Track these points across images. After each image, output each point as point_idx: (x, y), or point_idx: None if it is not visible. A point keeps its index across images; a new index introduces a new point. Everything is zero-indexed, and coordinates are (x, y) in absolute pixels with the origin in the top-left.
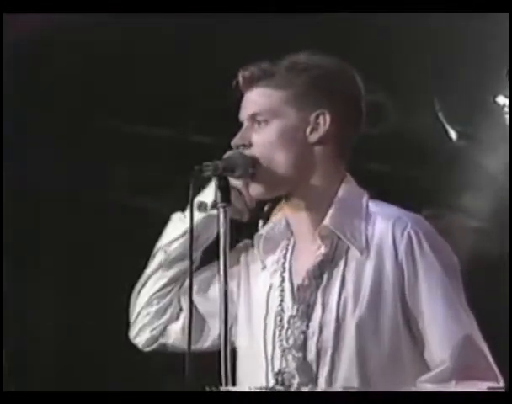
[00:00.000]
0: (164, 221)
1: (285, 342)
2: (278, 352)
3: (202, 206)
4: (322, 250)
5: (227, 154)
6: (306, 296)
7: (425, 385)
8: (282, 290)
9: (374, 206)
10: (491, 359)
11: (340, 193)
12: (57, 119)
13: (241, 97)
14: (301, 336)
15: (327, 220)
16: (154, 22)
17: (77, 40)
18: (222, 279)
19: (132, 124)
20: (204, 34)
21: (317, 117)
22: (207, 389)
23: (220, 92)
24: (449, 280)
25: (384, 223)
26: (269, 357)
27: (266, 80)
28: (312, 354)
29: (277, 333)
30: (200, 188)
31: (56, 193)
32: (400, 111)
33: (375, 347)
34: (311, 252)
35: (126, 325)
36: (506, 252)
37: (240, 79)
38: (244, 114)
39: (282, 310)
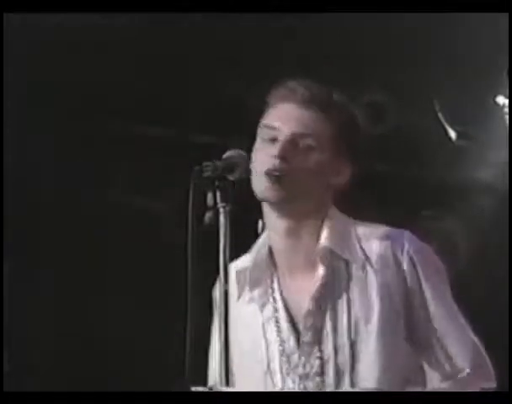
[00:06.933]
0: (164, 221)
1: (301, 369)
2: (289, 381)
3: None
4: (322, 272)
5: (227, 154)
6: (313, 321)
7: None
8: (277, 321)
9: (361, 228)
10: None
11: (329, 217)
12: (57, 119)
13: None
14: (317, 361)
15: (324, 242)
16: (154, 22)
17: (77, 40)
18: (222, 278)
19: (132, 124)
20: (204, 34)
21: (341, 165)
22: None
23: (220, 92)
24: (447, 288)
25: (381, 243)
26: (279, 387)
27: (321, 107)
28: (330, 378)
29: (284, 363)
30: (199, 188)
31: (56, 193)
32: (400, 111)
33: (390, 362)
34: (304, 277)
35: (126, 324)
36: (506, 252)
37: (297, 94)
38: (288, 128)
39: (282, 340)
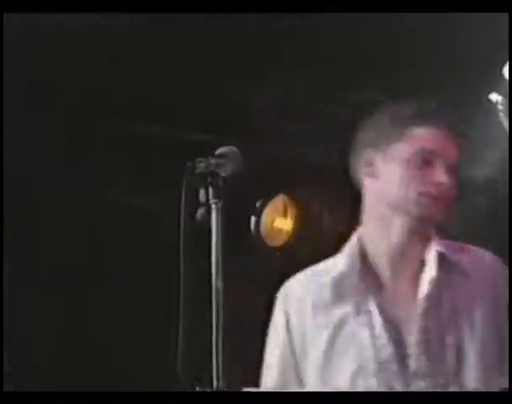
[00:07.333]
0: (164, 221)
1: (404, 371)
2: (393, 383)
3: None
4: (434, 275)
5: (220, 150)
6: (422, 323)
7: None
8: (373, 325)
9: (459, 244)
10: None
11: (433, 231)
12: (57, 119)
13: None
14: (424, 363)
15: (438, 248)
16: (154, 22)
17: (77, 40)
18: (214, 275)
19: (132, 124)
20: (204, 34)
21: None
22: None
23: (220, 92)
24: None
25: (483, 260)
26: (372, 389)
27: (457, 132)
28: (435, 378)
29: (381, 365)
30: (192, 184)
31: (56, 193)
32: None
33: (489, 365)
34: (408, 283)
35: (126, 324)
36: (506, 252)
37: (441, 119)
38: (451, 155)
39: (381, 344)
